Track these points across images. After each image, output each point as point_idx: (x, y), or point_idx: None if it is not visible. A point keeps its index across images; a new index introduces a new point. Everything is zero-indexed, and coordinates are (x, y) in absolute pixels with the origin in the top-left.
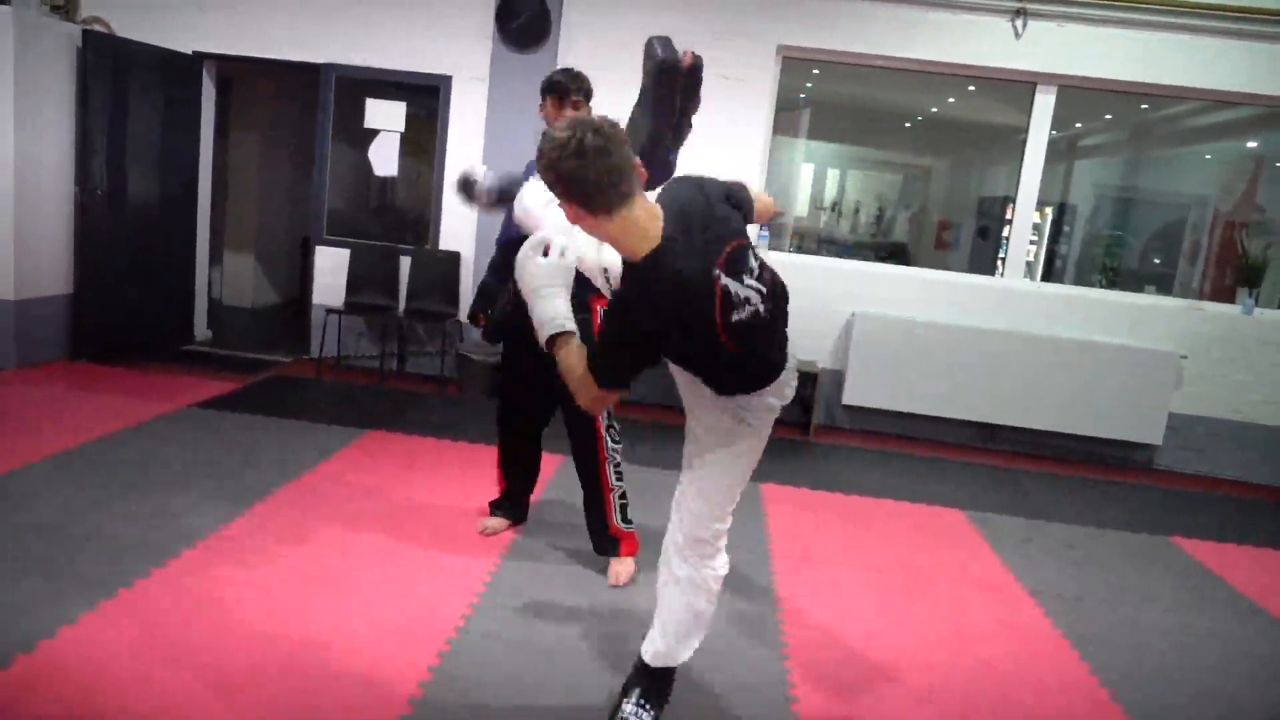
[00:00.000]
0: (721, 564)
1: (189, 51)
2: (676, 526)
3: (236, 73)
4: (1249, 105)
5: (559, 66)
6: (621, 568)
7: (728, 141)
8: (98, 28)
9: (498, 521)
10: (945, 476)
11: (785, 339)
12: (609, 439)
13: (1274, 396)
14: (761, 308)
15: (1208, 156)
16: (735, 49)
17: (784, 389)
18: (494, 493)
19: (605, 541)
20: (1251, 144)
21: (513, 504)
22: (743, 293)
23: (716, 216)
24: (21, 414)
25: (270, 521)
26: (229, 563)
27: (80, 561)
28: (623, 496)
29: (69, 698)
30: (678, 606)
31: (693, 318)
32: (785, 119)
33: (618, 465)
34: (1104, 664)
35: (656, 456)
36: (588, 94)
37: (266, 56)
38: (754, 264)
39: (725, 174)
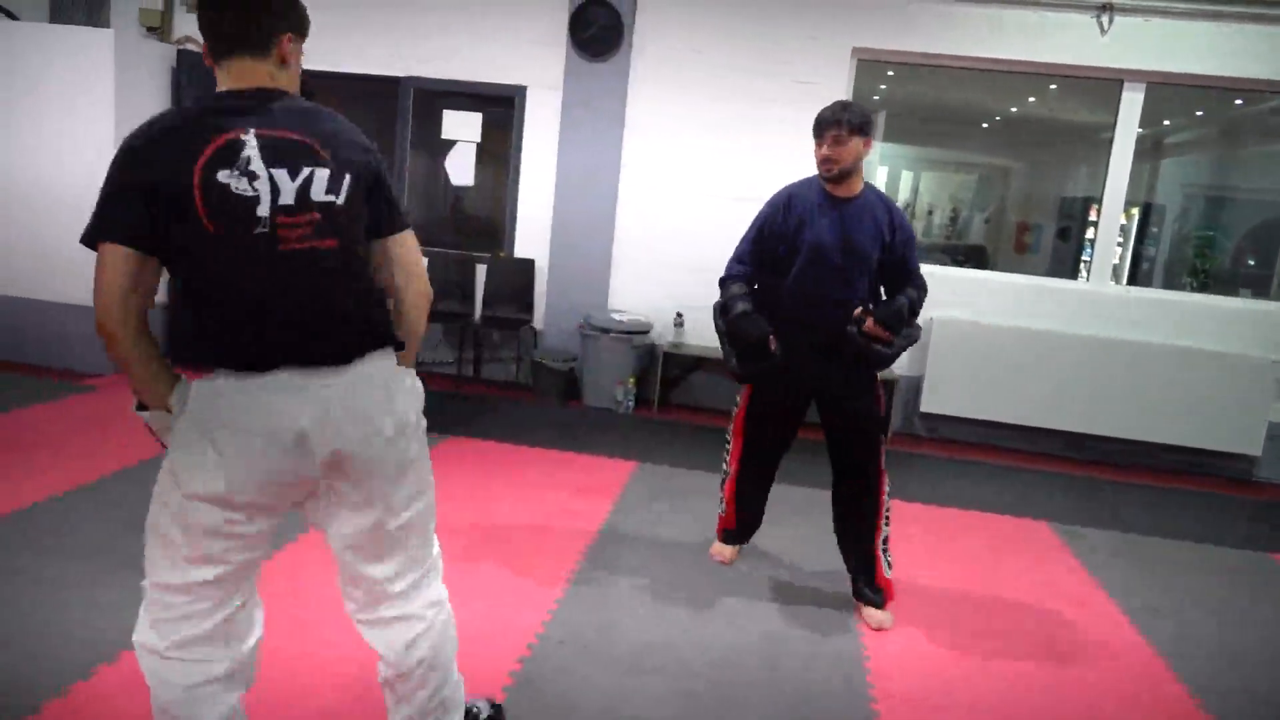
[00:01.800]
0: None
1: None
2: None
3: (319, 87)
4: None
5: (630, 74)
6: (884, 617)
7: (801, 145)
8: (190, 47)
9: (731, 550)
10: (1029, 487)
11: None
12: (888, 484)
13: None
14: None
15: None
16: (809, 52)
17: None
18: (574, 496)
19: (870, 591)
20: None
21: (742, 534)
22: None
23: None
24: (121, 419)
25: None
26: (310, 566)
27: None
28: (885, 541)
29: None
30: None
31: None
32: None
33: (888, 510)
34: (1201, 685)
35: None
36: (851, 126)
37: (347, 71)
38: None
39: (799, 177)
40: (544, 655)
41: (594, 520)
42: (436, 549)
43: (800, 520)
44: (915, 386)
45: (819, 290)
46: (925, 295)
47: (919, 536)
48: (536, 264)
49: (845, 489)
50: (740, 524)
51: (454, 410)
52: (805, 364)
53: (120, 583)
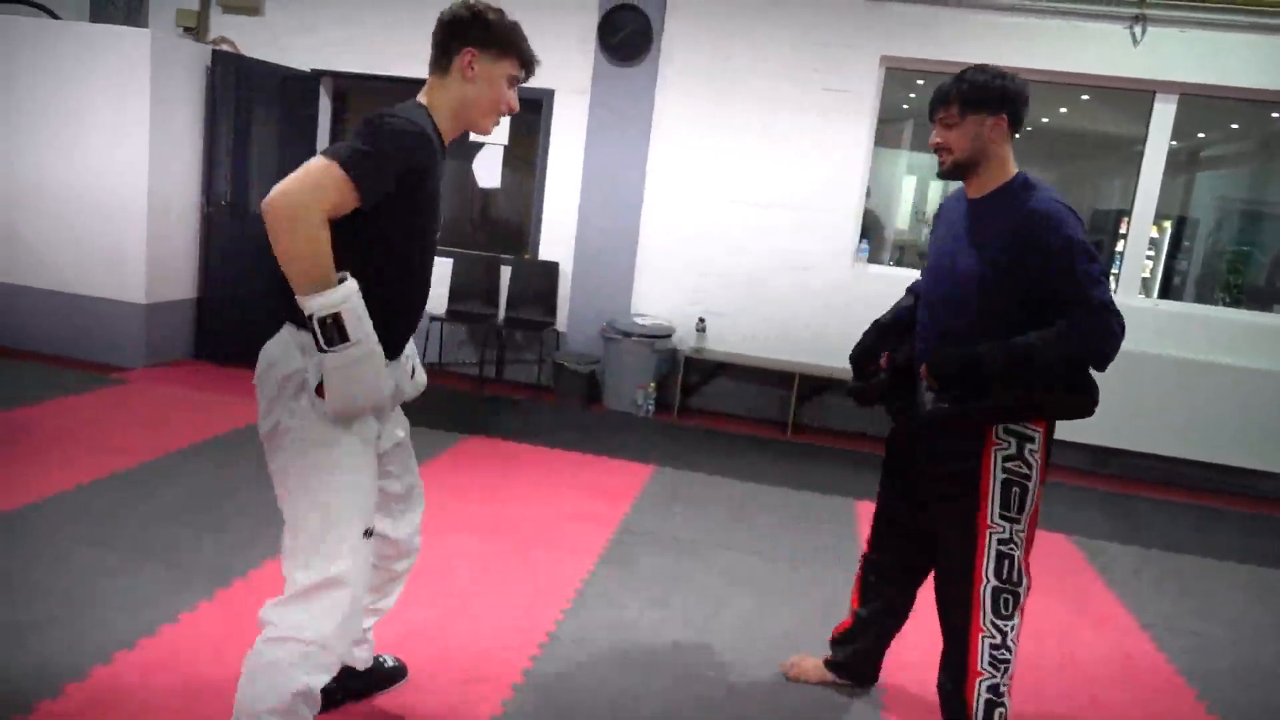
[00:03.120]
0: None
1: (308, 70)
2: None
3: (351, 88)
4: None
5: (658, 79)
6: None
7: (829, 153)
8: (225, 48)
9: (811, 665)
10: (1053, 501)
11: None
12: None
13: None
14: None
15: None
16: (837, 60)
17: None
18: (592, 497)
19: None
20: None
21: (843, 648)
22: None
23: None
24: (151, 411)
25: None
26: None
27: (201, 551)
28: (995, 692)
29: (187, 679)
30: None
31: None
32: (889, 131)
33: (998, 649)
34: (1222, 704)
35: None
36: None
37: (379, 73)
38: None
39: (826, 186)
40: (556, 654)
41: (610, 522)
42: (309, 542)
43: (812, 525)
44: None
45: (927, 318)
46: (1075, 343)
47: None
48: (561, 267)
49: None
50: (850, 633)
51: (476, 410)
52: (906, 424)
53: (140, 572)
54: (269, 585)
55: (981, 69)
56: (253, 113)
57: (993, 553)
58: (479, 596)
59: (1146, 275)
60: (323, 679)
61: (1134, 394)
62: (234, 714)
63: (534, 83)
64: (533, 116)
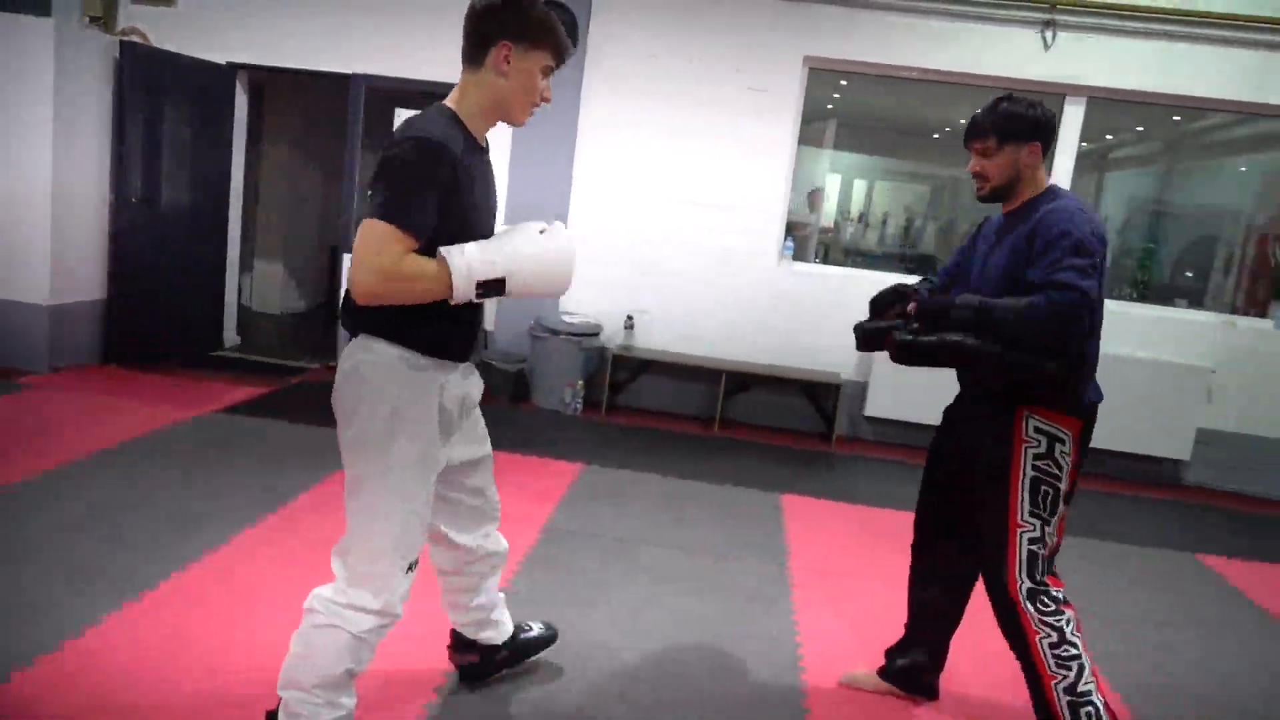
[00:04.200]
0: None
1: (223, 62)
2: None
3: (269, 83)
4: None
5: (584, 77)
6: None
7: (754, 152)
8: (135, 39)
9: (864, 674)
10: None
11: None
12: (1035, 610)
13: None
14: None
15: (1242, 169)
16: (761, 59)
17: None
18: (519, 497)
19: None
20: None
21: (900, 654)
22: None
23: None
24: (53, 417)
25: (295, 525)
26: (254, 565)
27: (106, 563)
28: (1073, 692)
29: (92, 698)
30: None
31: None
32: (812, 130)
33: (1057, 646)
34: (1126, 682)
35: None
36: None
37: (297, 67)
38: None
39: (751, 184)
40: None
41: (537, 522)
42: (360, 560)
43: (739, 519)
44: (860, 392)
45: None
46: (1031, 316)
47: (859, 537)
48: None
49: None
50: (902, 643)
51: None
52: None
53: (42, 585)
54: (179, 597)
55: (1013, 99)
56: (164, 107)
57: (1024, 552)
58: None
59: None
60: (367, 655)
61: None
62: (280, 683)
63: (458, 78)
64: None
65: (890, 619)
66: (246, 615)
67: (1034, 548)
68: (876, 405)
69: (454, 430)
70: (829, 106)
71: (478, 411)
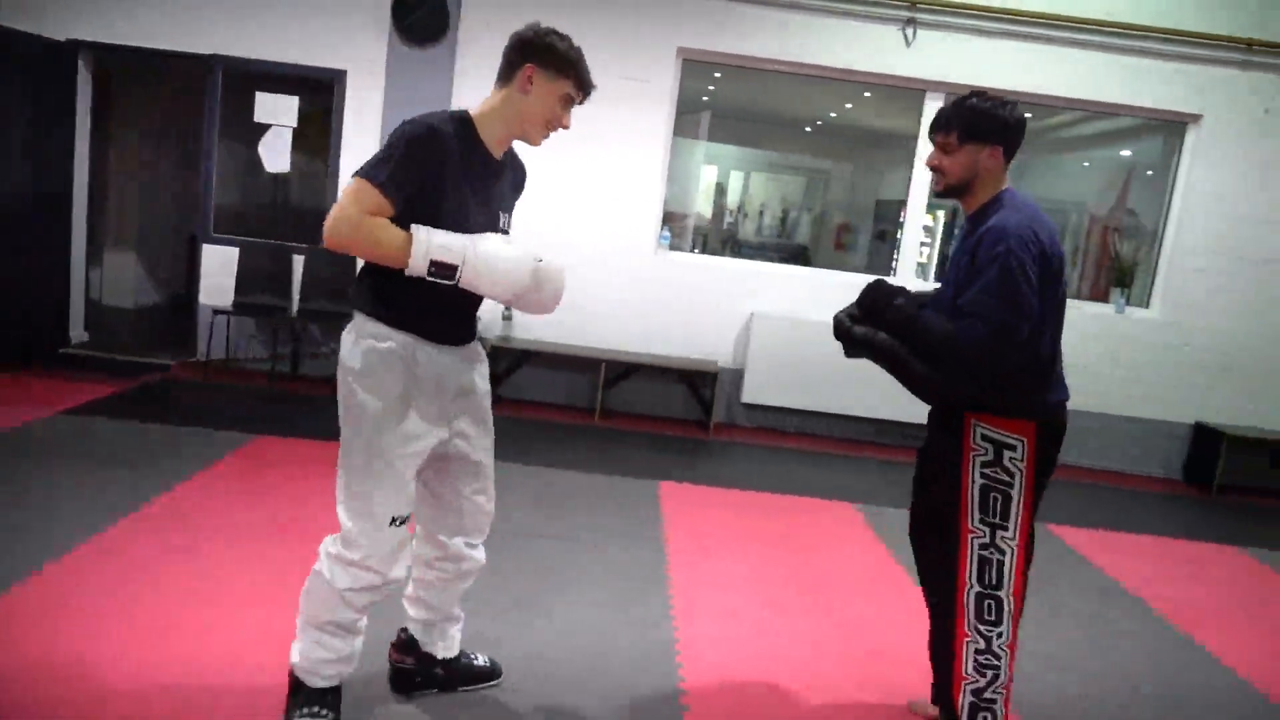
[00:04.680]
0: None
1: (63, 39)
2: None
3: (117, 63)
4: (1123, 116)
5: (457, 63)
6: None
7: (629, 142)
8: None
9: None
10: (840, 471)
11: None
12: (975, 614)
13: (1144, 390)
14: None
15: (1085, 164)
16: (635, 50)
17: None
18: None
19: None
20: (1125, 152)
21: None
22: None
23: None
24: None
25: (146, 533)
26: (100, 575)
27: None
28: (979, 696)
29: None
30: None
31: None
32: (688, 121)
33: (982, 654)
34: None
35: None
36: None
37: (148, 46)
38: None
39: (627, 175)
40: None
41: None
42: (344, 517)
43: (619, 508)
44: (737, 379)
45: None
46: (953, 342)
47: (735, 521)
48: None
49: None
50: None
51: (268, 409)
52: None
53: None
54: (22, 612)
55: (983, 96)
56: None
57: (974, 557)
58: (270, 605)
59: (923, 261)
60: (349, 615)
61: None
62: (298, 624)
63: (324, 62)
64: (324, 97)
65: (763, 600)
66: (91, 628)
67: (985, 553)
68: (753, 392)
69: (439, 403)
70: (704, 98)
71: (484, 403)
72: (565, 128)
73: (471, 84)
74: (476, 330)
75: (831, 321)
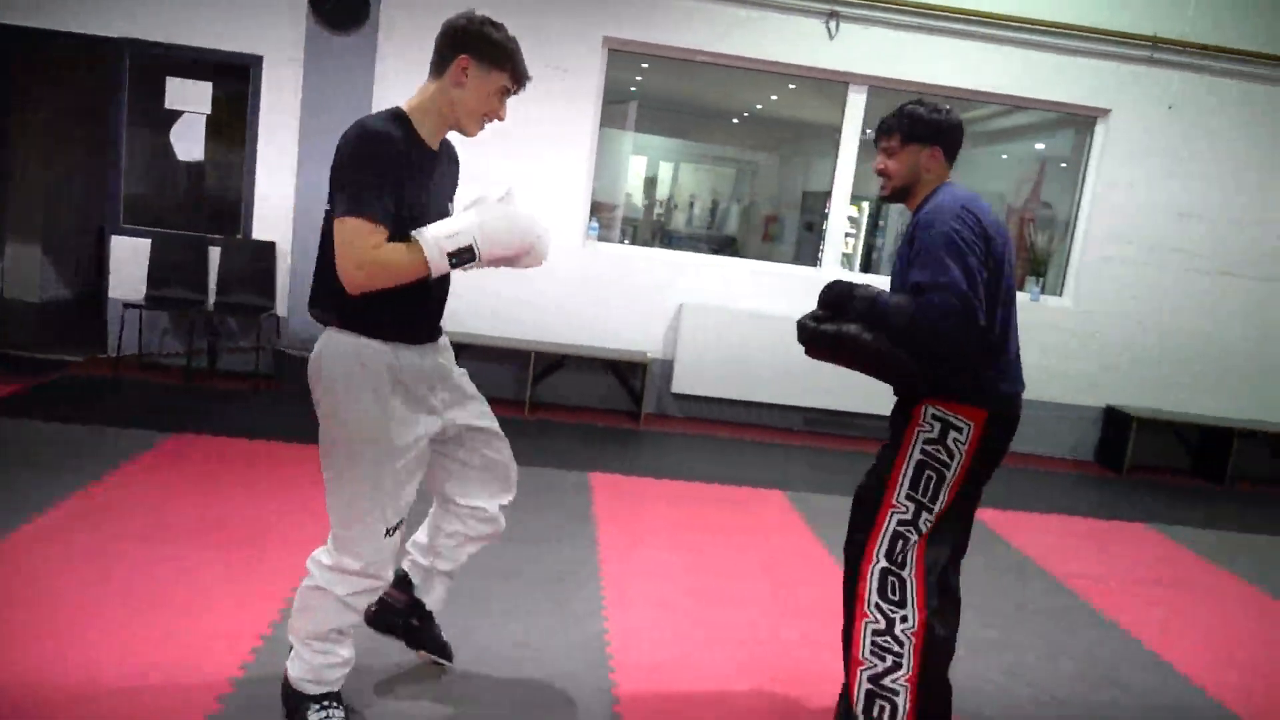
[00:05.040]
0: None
1: None
2: None
3: (19, 46)
4: (1037, 110)
5: (378, 50)
6: None
7: (555, 132)
8: None
9: None
10: (768, 460)
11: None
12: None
13: (1058, 376)
14: None
15: (1004, 157)
16: (561, 38)
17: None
18: (317, 490)
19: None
20: (1039, 145)
21: None
22: None
23: None
24: None
25: (54, 535)
26: (3, 580)
27: None
28: (875, 683)
29: None
30: None
31: None
32: (616, 112)
33: (880, 635)
34: None
35: None
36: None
37: (52, 28)
38: None
39: (554, 165)
40: (272, 659)
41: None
42: (338, 525)
43: (550, 500)
44: (667, 370)
45: None
46: (917, 314)
47: (665, 511)
48: (279, 247)
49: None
50: None
51: (184, 405)
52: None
53: None
54: None
55: (921, 103)
56: None
57: (889, 531)
58: (186, 602)
59: (849, 251)
60: (353, 618)
61: None
62: (289, 629)
63: (238, 46)
64: (240, 84)
65: (693, 589)
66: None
67: (902, 529)
68: (683, 382)
69: (426, 402)
70: (632, 89)
71: (462, 381)
72: (500, 119)
73: (394, 71)
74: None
75: (796, 327)
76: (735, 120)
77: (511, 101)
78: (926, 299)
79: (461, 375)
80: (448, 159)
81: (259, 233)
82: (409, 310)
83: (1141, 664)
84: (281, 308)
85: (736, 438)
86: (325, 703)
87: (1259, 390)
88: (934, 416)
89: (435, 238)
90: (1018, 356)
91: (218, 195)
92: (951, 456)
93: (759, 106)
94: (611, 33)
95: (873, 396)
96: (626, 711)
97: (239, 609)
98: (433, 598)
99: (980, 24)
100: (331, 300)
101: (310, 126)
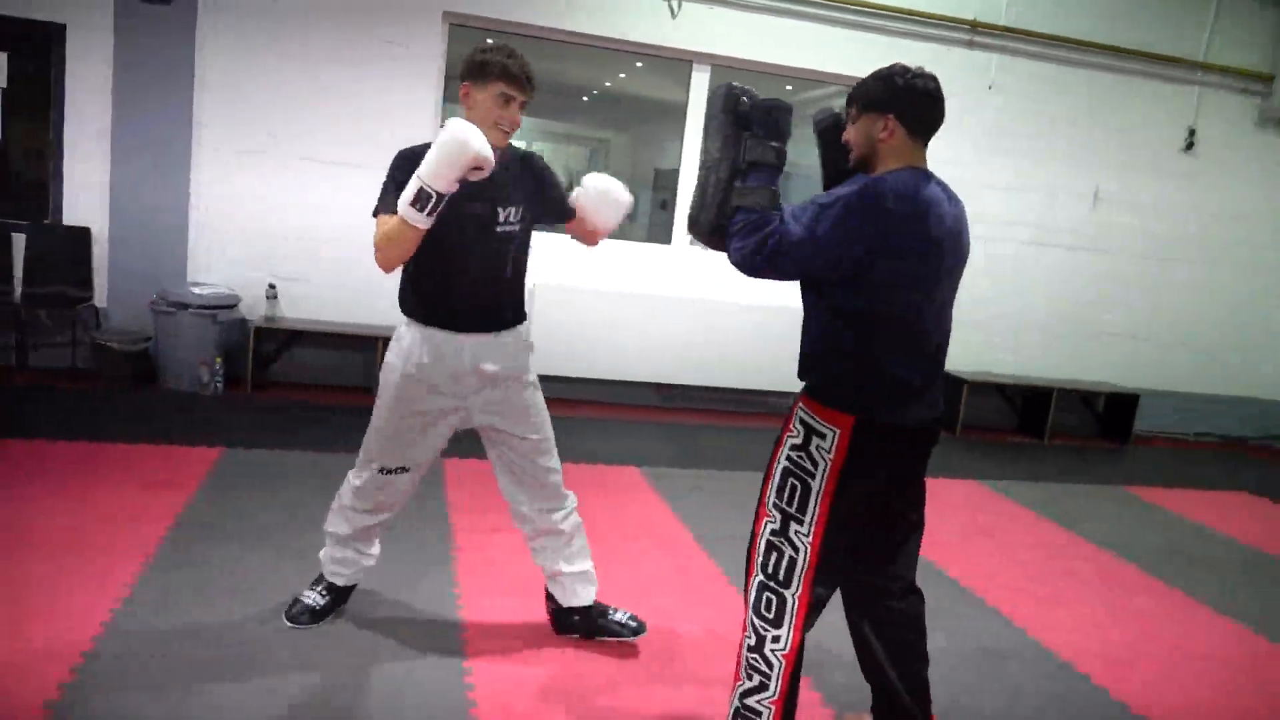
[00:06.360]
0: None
1: None
2: None
3: None
4: None
5: (198, 23)
6: None
7: (396, 110)
8: None
9: None
10: (624, 436)
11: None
12: (754, 603)
13: None
14: None
15: None
16: (399, 13)
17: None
18: (143, 492)
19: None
20: None
21: None
22: None
23: None
24: None
25: None
26: None
27: None
28: (742, 700)
29: None
30: None
31: None
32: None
33: (752, 652)
34: None
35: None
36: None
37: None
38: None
39: (395, 143)
40: (94, 678)
41: (165, 517)
42: (360, 455)
43: None
44: None
45: None
46: (745, 223)
47: None
48: (94, 232)
49: None
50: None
51: None
52: None
53: None
54: None
55: (879, 72)
56: None
57: (764, 541)
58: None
59: None
60: (345, 529)
61: (691, 334)
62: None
63: (38, 14)
64: (41, 54)
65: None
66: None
67: (774, 540)
68: (538, 362)
69: (453, 388)
70: None
71: (512, 391)
72: (516, 124)
73: (218, 44)
74: (513, 321)
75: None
76: (585, 98)
77: (346, 76)
78: (766, 217)
79: (515, 384)
80: (520, 167)
81: (70, 218)
82: (435, 300)
83: (970, 605)
84: (100, 298)
85: (590, 416)
86: (319, 587)
87: (1074, 351)
88: (801, 420)
89: (403, 199)
90: (934, 363)
91: (20, 176)
92: (815, 465)
93: (608, 84)
94: (451, 6)
95: (726, 371)
96: (482, 699)
97: (58, 625)
98: (566, 594)
99: (817, 6)
100: (399, 295)
101: (125, 102)
